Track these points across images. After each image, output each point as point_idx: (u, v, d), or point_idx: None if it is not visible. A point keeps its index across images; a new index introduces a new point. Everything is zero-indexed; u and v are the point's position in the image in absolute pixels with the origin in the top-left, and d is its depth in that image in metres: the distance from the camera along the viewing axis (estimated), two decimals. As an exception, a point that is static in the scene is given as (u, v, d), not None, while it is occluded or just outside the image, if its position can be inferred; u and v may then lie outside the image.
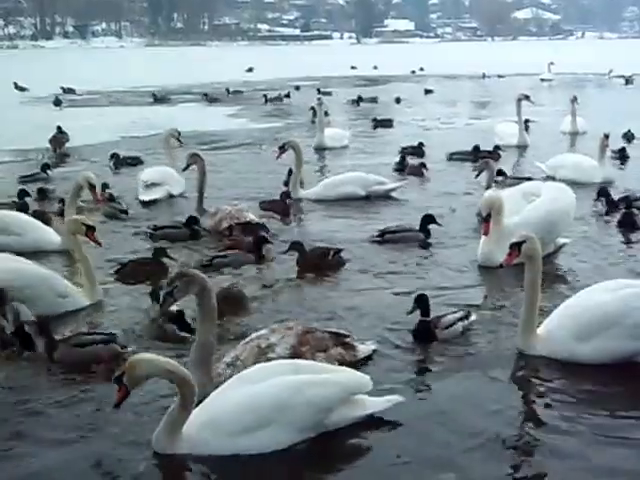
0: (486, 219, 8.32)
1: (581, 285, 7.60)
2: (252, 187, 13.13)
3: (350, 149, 17.86)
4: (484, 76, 44.13)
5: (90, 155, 17.03)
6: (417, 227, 9.65)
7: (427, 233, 9.60)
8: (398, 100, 29.06)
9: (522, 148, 17.23)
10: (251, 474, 4.62)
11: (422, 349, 6.25)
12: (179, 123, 15.18)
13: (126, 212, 11.24)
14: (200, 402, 4.88)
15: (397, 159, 15.06)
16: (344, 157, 16.77)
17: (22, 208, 10.69)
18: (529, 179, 12.06)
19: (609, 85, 38.59)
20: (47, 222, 9.93)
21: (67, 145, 17.70)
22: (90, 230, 7.68)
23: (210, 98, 31.07)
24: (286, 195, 11.53)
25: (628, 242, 9.54)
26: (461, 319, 6.51)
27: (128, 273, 8.30)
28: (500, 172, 12.57)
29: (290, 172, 12.65)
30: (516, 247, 6.20)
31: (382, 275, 8.30)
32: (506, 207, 8.42)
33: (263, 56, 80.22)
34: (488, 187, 11.14)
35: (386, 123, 21.88)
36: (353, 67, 54.68)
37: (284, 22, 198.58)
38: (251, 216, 10.20)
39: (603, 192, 11.16)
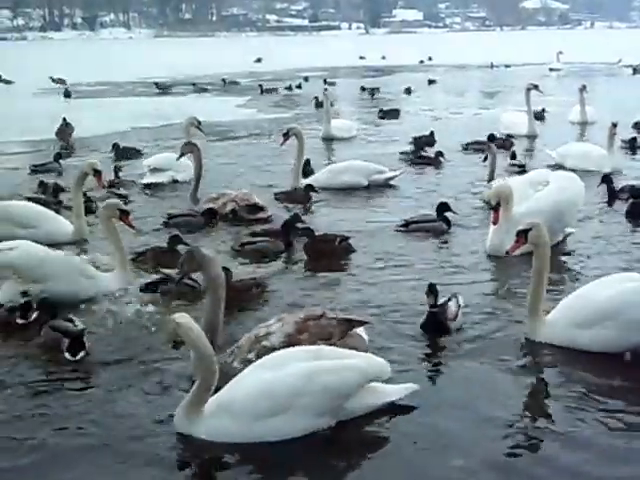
0: (495, 208, 8.32)
1: (588, 274, 7.64)
2: (263, 176, 13.20)
3: (357, 139, 17.84)
4: (492, 66, 44.00)
5: (99, 146, 17.02)
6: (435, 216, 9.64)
7: (448, 223, 9.61)
8: (409, 91, 28.89)
9: (531, 138, 17.15)
10: (269, 460, 4.65)
11: (433, 338, 6.25)
12: (187, 114, 15.11)
13: (126, 197, 11.27)
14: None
15: (408, 148, 15.00)
16: (352, 147, 16.74)
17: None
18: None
19: (618, 74, 38.40)
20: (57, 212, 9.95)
21: (74, 136, 17.73)
22: (124, 214, 7.72)
23: (197, 88, 31.57)
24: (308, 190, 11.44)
25: (636, 232, 9.52)
26: (459, 306, 6.49)
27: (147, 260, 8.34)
28: (514, 155, 13.54)
29: (308, 162, 12.67)
30: (523, 234, 6.21)
31: (397, 264, 8.31)
32: (515, 196, 8.42)
33: (271, 47, 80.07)
34: (491, 170, 11.39)
35: (393, 114, 21.81)
36: (362, 57, 54.64)
37: (292, 13, 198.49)
38: (257, 199, 10.23)
39: (606, 180, 11.10)
